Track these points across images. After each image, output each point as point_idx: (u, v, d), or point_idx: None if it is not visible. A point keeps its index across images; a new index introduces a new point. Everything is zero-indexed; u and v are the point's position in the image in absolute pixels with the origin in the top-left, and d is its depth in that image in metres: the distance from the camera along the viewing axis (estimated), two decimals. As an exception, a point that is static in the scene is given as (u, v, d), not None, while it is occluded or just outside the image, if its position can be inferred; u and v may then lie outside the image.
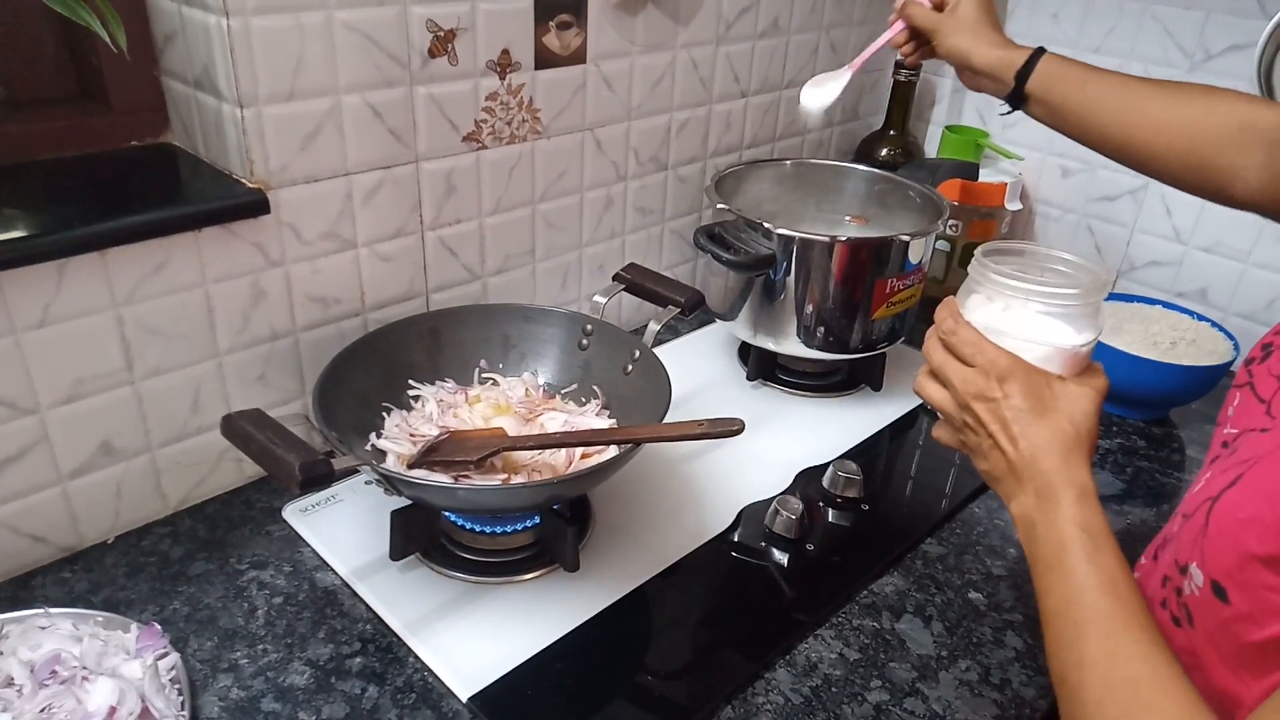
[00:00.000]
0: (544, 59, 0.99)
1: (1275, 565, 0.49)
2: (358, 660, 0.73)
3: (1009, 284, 0.62)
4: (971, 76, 0.89)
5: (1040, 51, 0.85)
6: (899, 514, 0.96)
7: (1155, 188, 1.29)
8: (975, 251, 0.66)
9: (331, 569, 0.82)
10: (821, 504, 0.95)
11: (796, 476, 0.98)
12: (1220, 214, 1.23)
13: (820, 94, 0.98)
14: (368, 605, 0.78)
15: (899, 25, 0.94)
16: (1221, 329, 1.15)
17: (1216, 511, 0.54)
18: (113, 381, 0.79)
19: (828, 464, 0.98)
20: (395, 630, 0.76)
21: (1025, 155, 1.42)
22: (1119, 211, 1.35)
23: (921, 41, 0.93)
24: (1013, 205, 1.36)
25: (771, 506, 0.90)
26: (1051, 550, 0.56)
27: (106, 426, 0.80)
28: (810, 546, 0.88)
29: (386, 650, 0.74)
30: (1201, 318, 1.18)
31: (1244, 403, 0.62)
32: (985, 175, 1.36)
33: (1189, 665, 0.52)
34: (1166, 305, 1.21)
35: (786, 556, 0.88)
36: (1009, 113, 0.89)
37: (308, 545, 0.84)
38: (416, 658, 0.74)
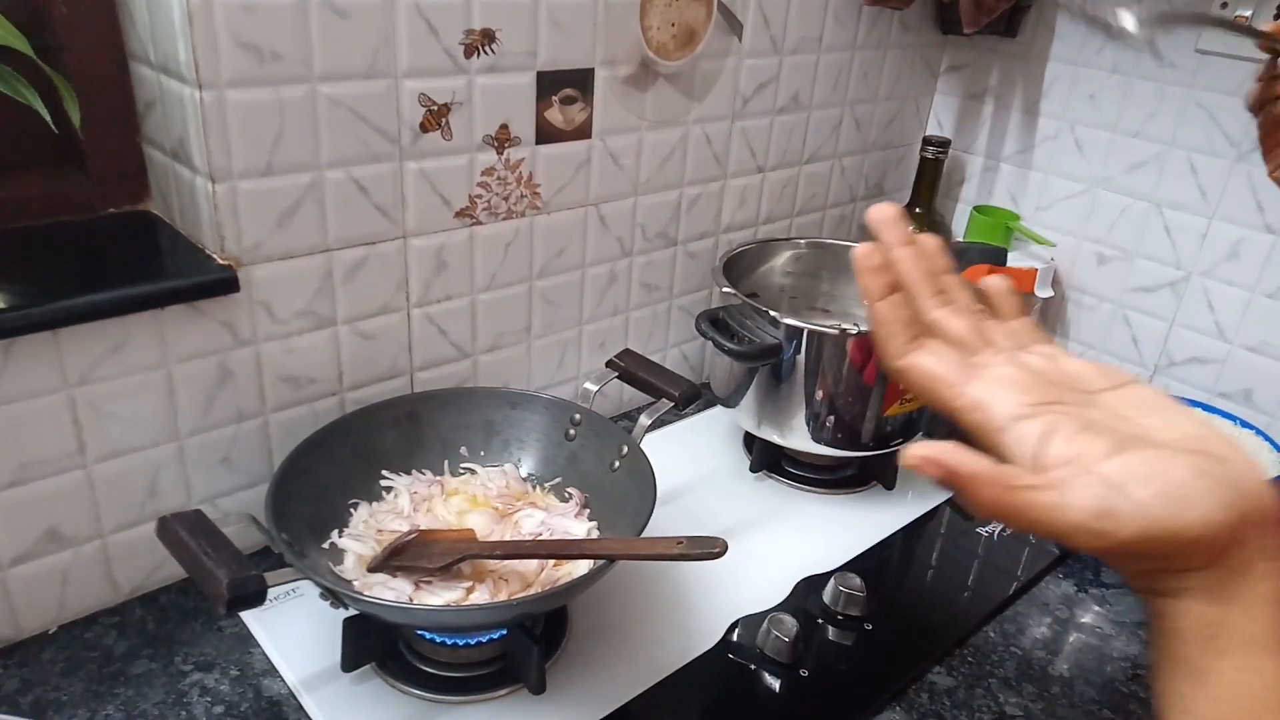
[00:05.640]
0: (546, 134, 0.95)
1: None
2: (294, 787, 0.67)
3: None
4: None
5: None
6: (905, 636, 0.88)
7: (1197, 280, 1.22)
8: None
9: (280, 675, 0.76)
10: (820, 620, 0.87)
11: (795, 587, 0.91)
12: (1268, 311, 1.16)
13: None
14: (313, 721, 0.72)
15: None
16: (1267, 438, 1.07)
17: None
18: (62, 465, 0.75)
19: (830, 574, 0.90)
20: (339, 753, 0.70)
21: (1058, 240, 1.34)
22: (1158, 304, 1.27)
23: None
24: (1043, 293, 1.29)
25: (764, 625, 0.83)
26: None
27: (54, 512, 0.75)
28: (804, 672, 0.81)
29: (327, 776, 0.68)
30: (1246, 425, 1.09)
31: None
32: (1015, 259, 1.29)
33: None
34: (1207, 408, 1.12)
35: (779, 682, 0.80)
36: None
37: (259, 645, 0.79)
38: (358, 788, 0.67)
